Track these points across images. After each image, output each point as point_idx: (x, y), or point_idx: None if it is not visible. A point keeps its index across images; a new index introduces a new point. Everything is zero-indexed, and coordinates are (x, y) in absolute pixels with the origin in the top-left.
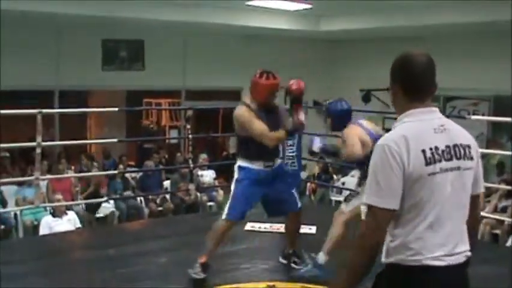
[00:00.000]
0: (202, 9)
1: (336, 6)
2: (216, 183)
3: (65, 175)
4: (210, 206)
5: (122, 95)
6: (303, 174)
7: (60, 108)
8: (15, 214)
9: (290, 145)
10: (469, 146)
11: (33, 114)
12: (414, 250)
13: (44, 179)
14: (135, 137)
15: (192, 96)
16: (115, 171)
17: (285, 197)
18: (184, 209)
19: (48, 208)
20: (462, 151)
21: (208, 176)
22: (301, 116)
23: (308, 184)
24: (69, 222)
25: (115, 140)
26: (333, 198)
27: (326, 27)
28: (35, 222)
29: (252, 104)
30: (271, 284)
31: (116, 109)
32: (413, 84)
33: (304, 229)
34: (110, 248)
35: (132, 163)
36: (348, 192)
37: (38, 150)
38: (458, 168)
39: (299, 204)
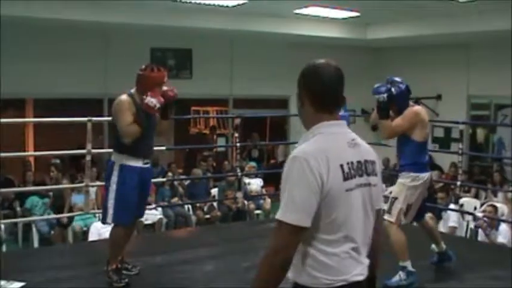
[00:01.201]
0: (250, 18)
1: (382, 14)
2: (264, 191)
3: None
4: (257, 214)
5: None
6: None
7: (109, 116)
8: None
9: None
10: (374, 163)
11: (84, 122)
12: (334, 269)
13: (93, 186)
14: (183, 145)
15: (239, 105)
16: (163, 179)
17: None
18: (231, 217)
19: (97, 214)
20: (370, 167)
21: (255, 184)
22: (151, 100)
23: None
24: None
25: (163, 147)
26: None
27: (373, 35)
28: (85, 228)
29: (137, 96)
30: None
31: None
32: (322, 95)
33: None
34: (157, 255)
35: (180, 170)
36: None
37: (88, 158)
38: (369, 184)
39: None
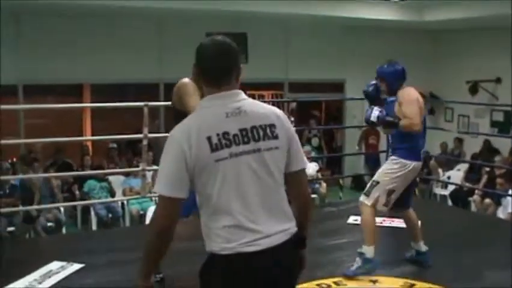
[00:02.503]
0: (305, 1)
1: None
2: (319, 175)
3: None
4: (313, 198)
5: None
6: None
7: (165, 100)
8: (123, 203)
9: None
10: (272, 126)
11: (140, 107)
12: (224, 238)
13: (150, 170)
14: None
15: (294, 89)
16: None
17: None
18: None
19: (154, 198)
20: (261, 132)
21: (310, 168)
22: None
23: None
24: None
25: None
26: (437, 192)
27: (430, 17)
28: (141, 212)
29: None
30: (374, 278)
31: None
32: (206, 68)
33: None
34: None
35: None
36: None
37: (145, 142)
38: (259, 150)
39: None
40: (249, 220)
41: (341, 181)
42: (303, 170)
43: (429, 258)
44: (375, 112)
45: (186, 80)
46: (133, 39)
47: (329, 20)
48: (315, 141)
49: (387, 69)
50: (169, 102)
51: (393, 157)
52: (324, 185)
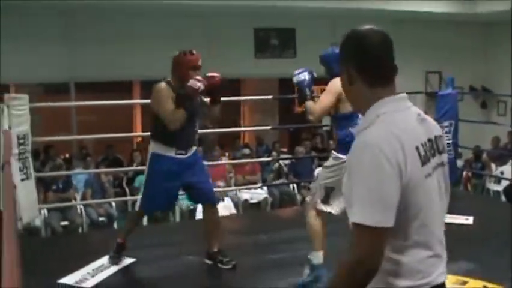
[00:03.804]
0: None
1: None
2: None
3: (220, 162)
4: None
5: (274, 82)
6: (459, 163)
7: None
8: None
9: (446, 132)
10: (442, 137)
11: None
12: (422, 272)
13: None
14: (287, 124)
15: None
16: (269, 158)
17: (200, 186)
18: None
19: None
20: (441, 144)
21: None
22: (195, 82)
23: (464, 173)
24: (224, 208)
25: (269, 127)
26: (490, 187)
27: (481, 9)
28: (191, 207)
29: (173, 82)
30: None
31: (271, 97)
32: (376, 66)
33: (460, 219)
34: (262, 234)
35: (284, 149)
36: None
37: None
38: (442, 164)
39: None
40: (438, 252)
41: None
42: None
43: None
44: (307, 75)
45: (161, 84)
46: (181, 36)
47: (377, 14)
48: None
49: (333, 53)
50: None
51: (332, 151)
52: None
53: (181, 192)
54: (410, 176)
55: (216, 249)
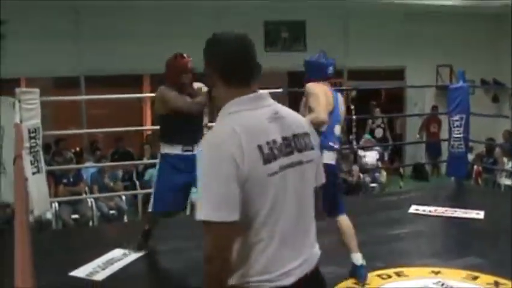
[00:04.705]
0: None
1: None
2: (379, 164)
3: None
4: (373, 187)
5: (284, 75)
6: (470, 157)
7: None
8: None
9: (457, 126)
10: (307, 134)
11: None
12: (261, 269)
13: None
14: None
15: (354, 76)
16: None
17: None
18: (346, 190)
19: None
20: (302, 141)
21: (371, 157)
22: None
23: (475, 167)
24: None
25: None
26: (502, 182)
27: (493, 2)
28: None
29: (168, 84)
30: (436, 270)
31: (281, 90)
32: (233, 65)
33: (471, 214)
34: None
35: None
36: None
37: (205, 131)
38: (300, 162)
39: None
40: (292, 246)
41: (401, 170)
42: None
43: (364, 273)
44: None
45: (163, 87)
46: (191, 30)
47: (390, 7)
48: (378, 132)
49: (314, 61)
50: None
51: None
52: (384, 173)
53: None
54: (248, 173)
55: None
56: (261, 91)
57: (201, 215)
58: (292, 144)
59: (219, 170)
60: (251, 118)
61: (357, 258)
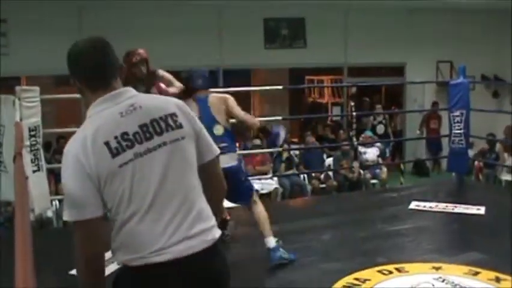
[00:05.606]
0: None
1: None
2: (380, 160)
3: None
4: (373, 183)
5: (284, 72)
6: (470, 152)
7: (224, 86)
8: None
9: (457, 122)
10: (173, 115)
11: None
12: (133, 249)
13: None
14: (298, 114)
15: (353, 73)
16: (279, 149)
17: None
18: (347, 187)
19: None
20: (163, 124)
21: (371, 153)
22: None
23: (476, 163)
24: None
25: (280, 117)
26: (503, 178)
27: None
28: None
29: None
30: (437, 265)
31: (281, 87)
32: (87, 71)
33: (472, 210)
34: (273, 224)
35: (295, 140)
36: None
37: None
38: (164, 143)
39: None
40: (164, 224)
41: (402, 166)
42: (216, 159)
43: (277, 256)
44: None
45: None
46: (192, 27)
47: (390, 3)
48: (380, 128)
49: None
50: (230, 88)
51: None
52: (384, 170)
53: None
54: (97, 170)
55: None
56: (121, 88)
57: (65, 215)
58: (150, 129)
59: (70, 173)
60: (103, 117)
61: (270, 242)
